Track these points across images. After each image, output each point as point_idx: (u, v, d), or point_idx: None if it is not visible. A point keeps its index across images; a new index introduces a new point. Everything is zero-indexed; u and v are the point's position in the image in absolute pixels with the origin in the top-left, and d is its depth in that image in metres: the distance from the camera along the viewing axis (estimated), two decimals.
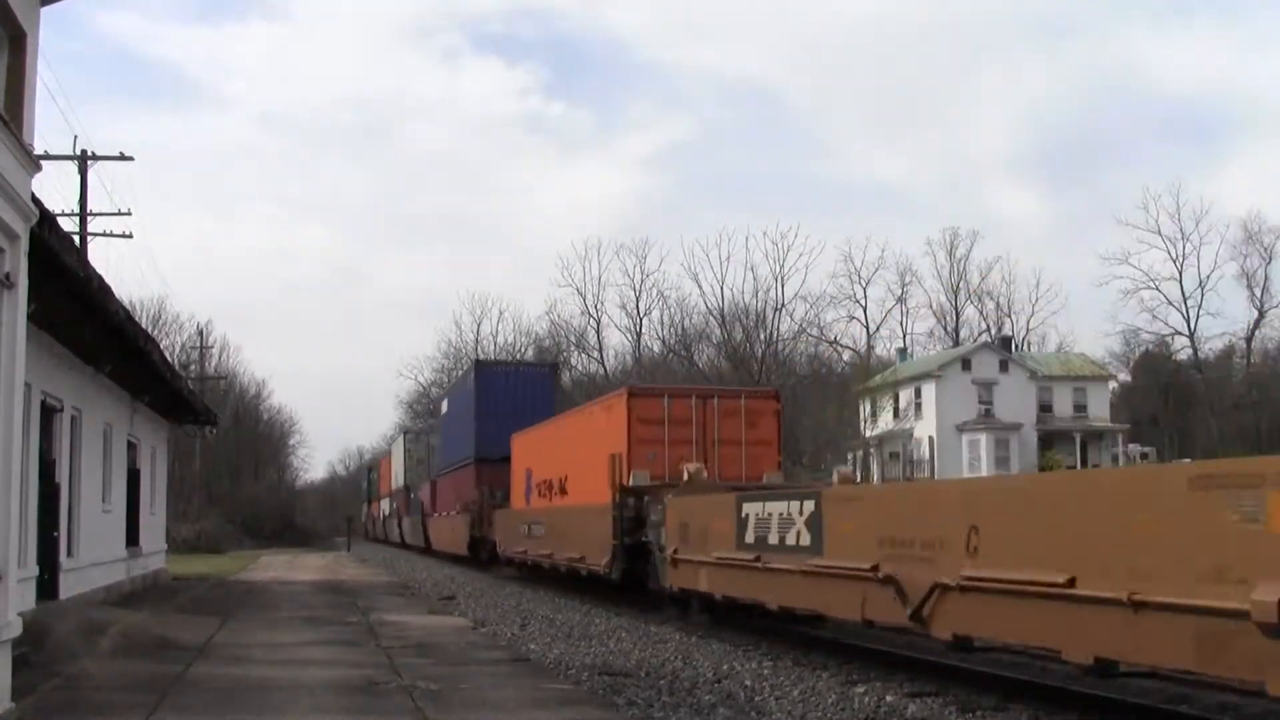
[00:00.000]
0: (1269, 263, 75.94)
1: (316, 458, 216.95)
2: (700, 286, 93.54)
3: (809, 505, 12.22)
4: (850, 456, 65.07)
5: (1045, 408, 73.12)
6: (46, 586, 14.62)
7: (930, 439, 70.58)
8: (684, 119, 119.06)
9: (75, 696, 9.23)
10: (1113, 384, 79.19)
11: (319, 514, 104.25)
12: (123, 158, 34.73)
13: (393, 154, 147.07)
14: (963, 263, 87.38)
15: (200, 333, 68.20)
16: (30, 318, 9.41)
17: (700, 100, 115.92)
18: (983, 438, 69.80)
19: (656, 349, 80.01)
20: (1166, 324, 77.84)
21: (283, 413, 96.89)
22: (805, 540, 12.14)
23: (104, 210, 35.82)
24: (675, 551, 16.11)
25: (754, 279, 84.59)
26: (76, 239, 32.55)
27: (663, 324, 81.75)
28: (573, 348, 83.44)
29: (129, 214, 36.57)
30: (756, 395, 21.84)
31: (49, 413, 14.98)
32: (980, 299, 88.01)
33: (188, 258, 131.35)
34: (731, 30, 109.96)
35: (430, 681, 10.01)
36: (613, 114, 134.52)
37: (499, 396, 32.69)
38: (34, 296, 9.35)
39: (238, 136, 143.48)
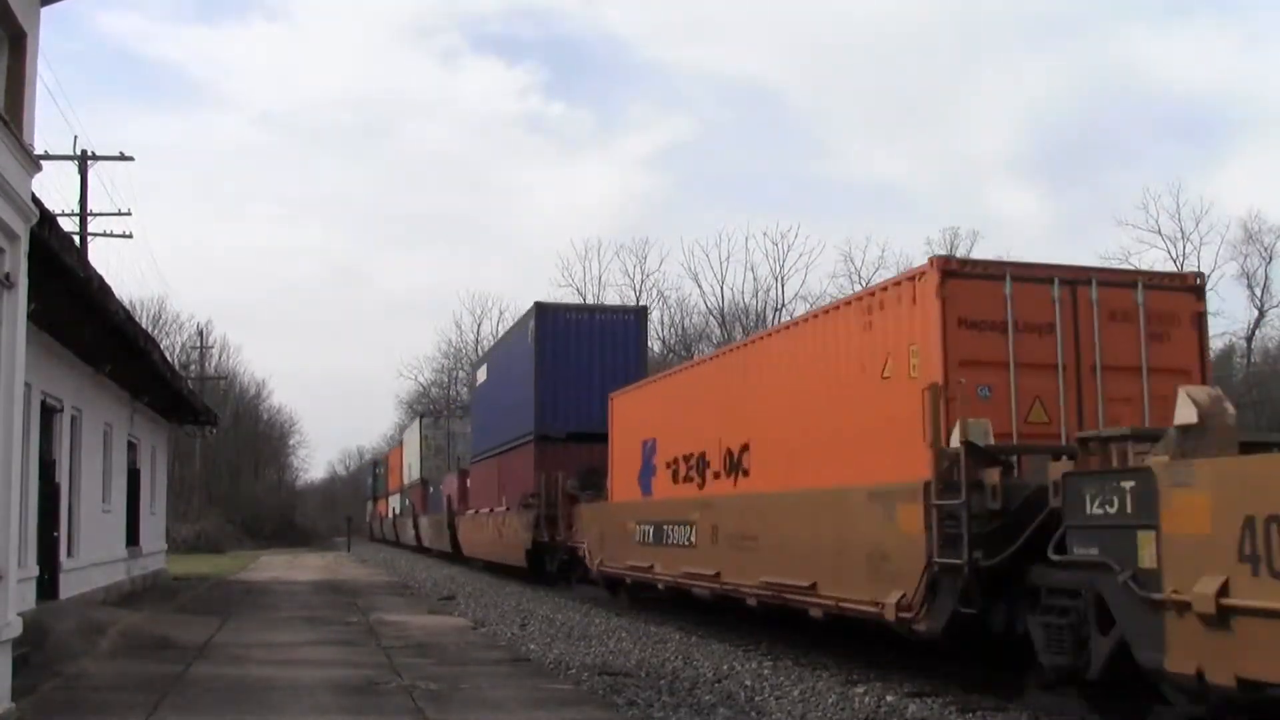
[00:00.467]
0: (1269, 262, 75.93)
1: (316, 458, 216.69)
2: (700, 286, 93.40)
3: None
4: None
5: None
6: (46, 586, 14.62)
7: None
8: (684, 119, 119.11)
9: (75, 696, 9.23)
10: None
11: (319, 514, 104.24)
12: (123, 158, 34.71)
13: (393, 154, 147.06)
14: None
15: (200, 333, 68.17)
16: (30, 318, 9.41)
17: (700, 100, 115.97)
18: None
19: (656, 349, 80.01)
20: None
21: (283, 413, 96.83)
22: None
23: (104, 210, 35.83)
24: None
25: (754, 279, 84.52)
26: (76, 239, 32.54)
27: (663, 324, 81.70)
28: None
29: (129, 214, 36.58)
30: (1164, 284, 11.81)
31: (49, 413, 14.98)
32: None
33: (188, 258, 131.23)
34: (731, 30, 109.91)
35: (430, 681, 10.02)
36: (613, 114, 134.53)
37: (569, 353, 25.22)
38: (34, 296, 9.35)
39: (238, 136, 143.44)
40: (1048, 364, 10.83)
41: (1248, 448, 7.96)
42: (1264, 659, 6.70)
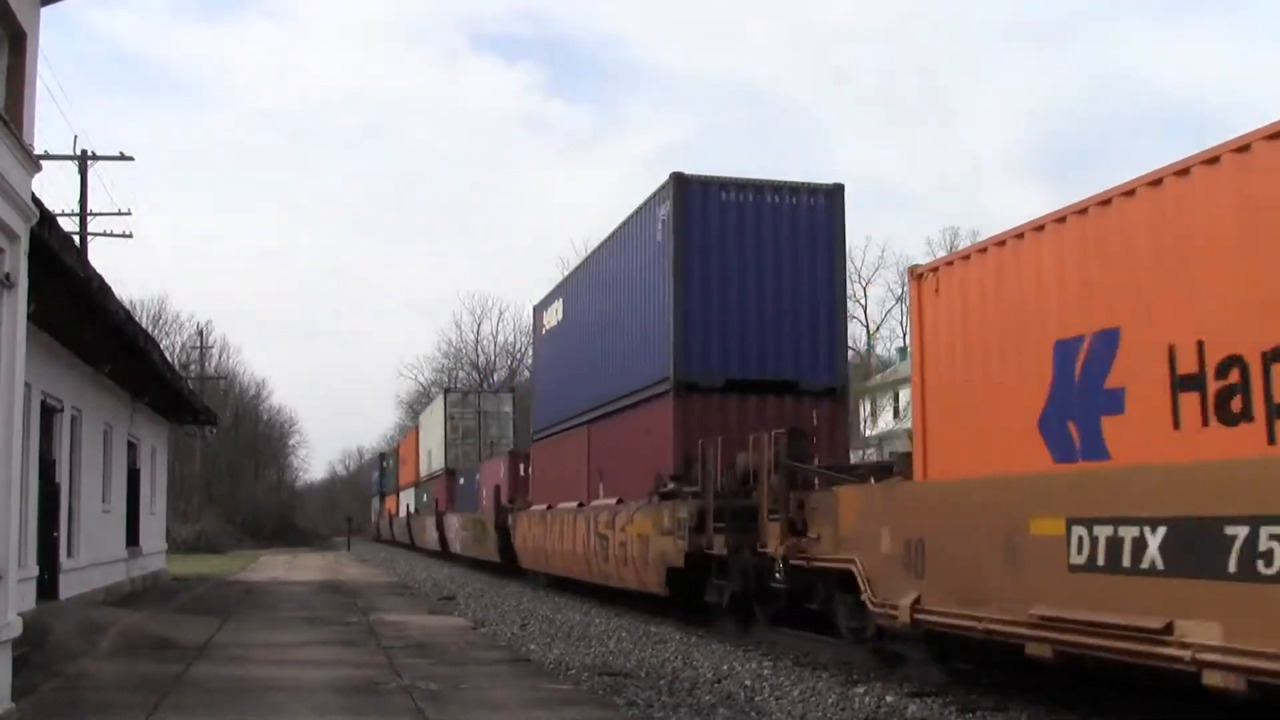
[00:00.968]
0: None
1: (316, 458, 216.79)
2: None
3: None
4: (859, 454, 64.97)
5: None
6: (46, 586, 14.63)
7: None
8: (684, 119, 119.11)
9: (75, 696, 9.22)
10: None
11: (319, 514, 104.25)
12: (123, 158, 34.73)
13: (393, 153, 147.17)
14: None
15: (200, 333, 68.14)
16: (30, 318, 9.41)
17: (700, 100, 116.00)
18: None
19: None
20: None
21: (283, 413, 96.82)
22: None
23: (104, 210, 35.85)
24: None
25: None
26: (76, 239, 32.54)
27: None
28: None
29: (129, 214, 36.68)
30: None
31: (49, 413, 14.98)
32: None
33: (188, 258, 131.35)
34: (731, 30, 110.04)
35: (430, 681, 10.01)
36: (613, 114, 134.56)
37: (727, 255, 16.71)
38: (34, 296, 9.34)
39: (237, 136, 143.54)
40: None
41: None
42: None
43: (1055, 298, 8.85)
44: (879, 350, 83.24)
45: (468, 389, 50.33)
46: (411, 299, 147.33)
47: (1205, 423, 7.31)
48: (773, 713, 9.79)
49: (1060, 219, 8.92)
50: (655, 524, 16.30)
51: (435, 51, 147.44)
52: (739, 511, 13.90)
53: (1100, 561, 7.76)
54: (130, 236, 52.90)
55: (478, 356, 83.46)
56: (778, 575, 12.81)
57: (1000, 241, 9.71)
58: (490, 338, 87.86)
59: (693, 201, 16.68)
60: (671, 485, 15.99)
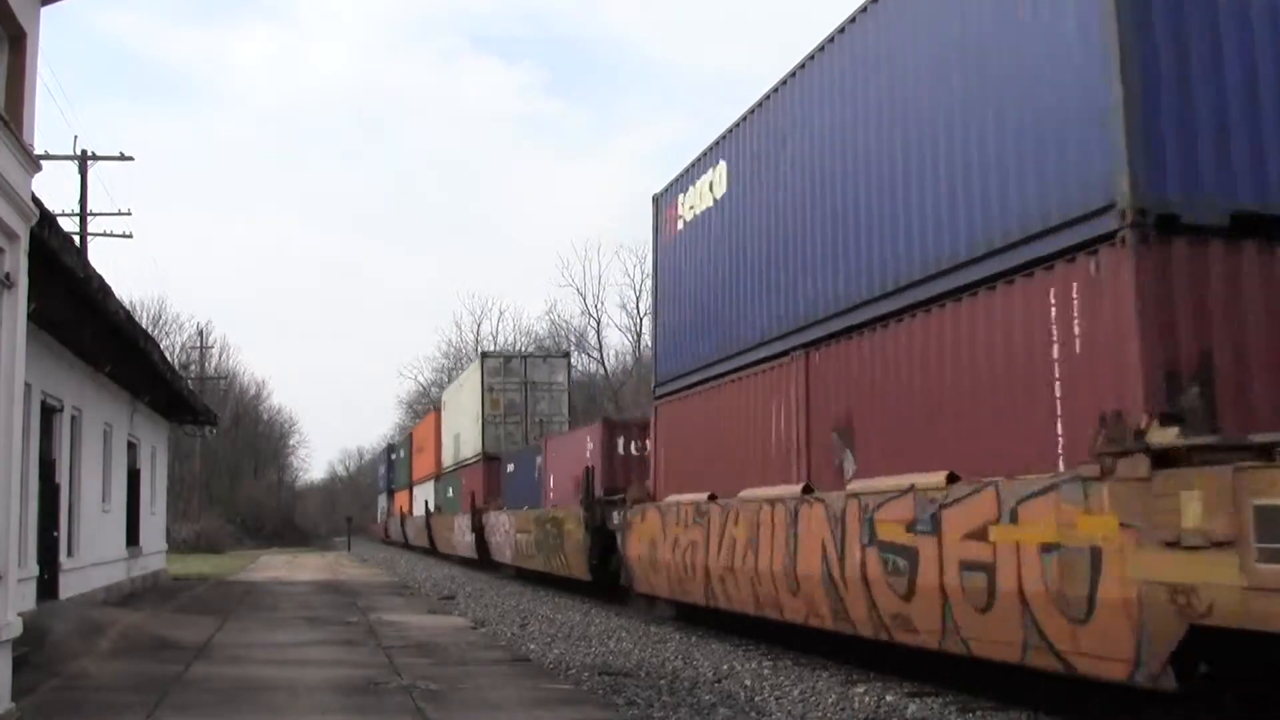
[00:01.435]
0: None
1: (316, 458, 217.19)
2: None
3: None
4: None
5: None
6: (46, 586, 14.62)
7: None
8: (683, 118, 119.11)
9: (75, 696, 9.23)
10: None
11: (319, 514, 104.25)
12: (123, 158, 34.72)
13: (392, 153, 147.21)
14: None
15: (200, 333, 68.10)
16: (30, 318, 9.42)
17: (700, 100, 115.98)
18: None
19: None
20: None
21: (283, 413, 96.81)
22: None
23: (104, 210, 35.85)
24: None
25: None
26: (76, 239, 32.55)
27: None
28: (573, 348, 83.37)
29: (129, 214, 36.53)
30: None
31: (49, 413, 14.98)
32: None
33: (188, 258, 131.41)
34: (731, 29, 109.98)
35: (430, 681, 10.02)
36: (612, 113, 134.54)
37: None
38: (34, 296, 9.34)
39: (237, 136, 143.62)
40: None
41: None
42: None
43: None
44: None
45: (511, 353, 39.37)
46: (411, 299, 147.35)
47: None
48: (773, 712, 9.79)
49: None
50: (1135, 522, 7.38)
51: (435, 51, 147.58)
52: None
53: None
54: (130, 236, 53.13)
55: (477, 353, 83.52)
56: None
57: None
58: (490, 338, 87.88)
59: None
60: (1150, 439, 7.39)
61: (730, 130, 15.37)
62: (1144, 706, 8.53)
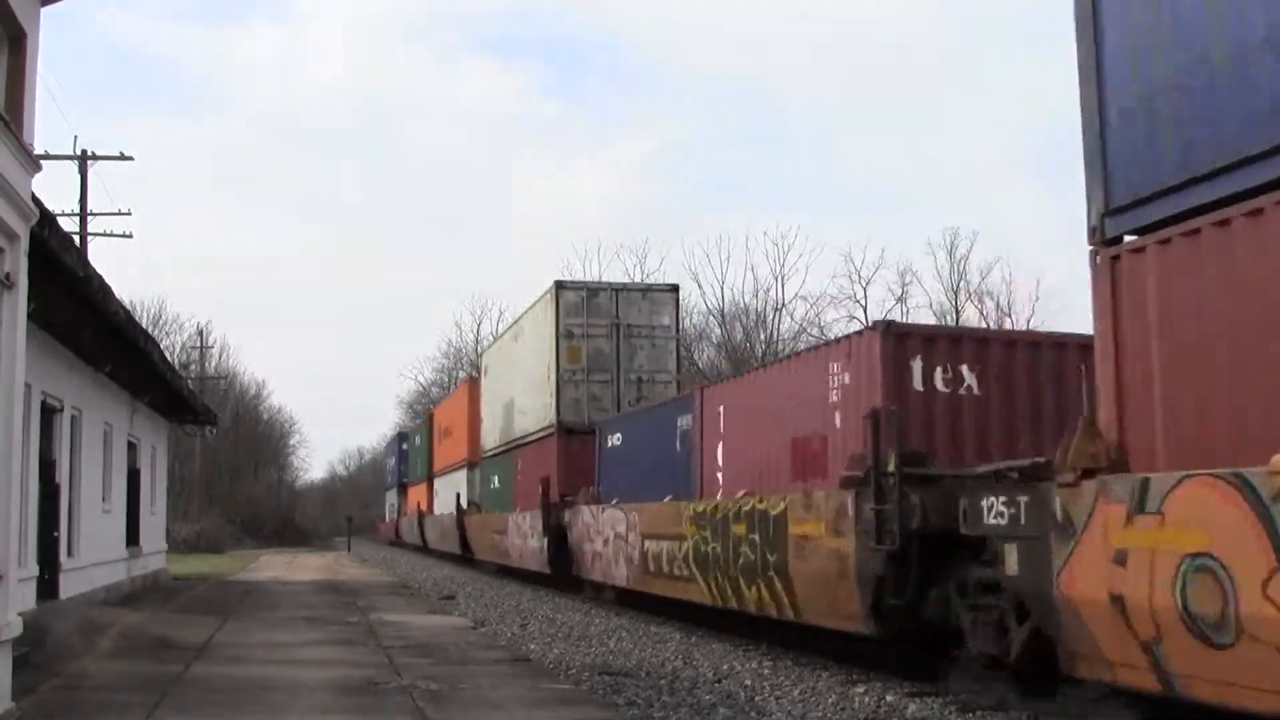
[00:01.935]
0: None
1: (316, 458, 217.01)
2: (700, 286, 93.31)
3: None
4: None
5: None
6: (46, 586, 14.62)
7: None
8: (684, 118, 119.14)
9: (75, 696, 9.22)
10: None
11: (319, 514, 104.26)
12: (123, 158, 34.71)
13: (392, 153, 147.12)
14: (963, 263, 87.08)
15: (200, 333, 68.11)
16: (30, 318, 9.41)
17: (700, 100, 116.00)
18: None
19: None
20: None
21: (283, 413, 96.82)
22: None
23: (104, 210, 35.85)
24: None
25: (754, 279, 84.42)
26: (76, 239, 32.55)
27: None
28: None
29: (129, 214, 36.53)
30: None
31: (49, 413, 14.98)
32: (980, 299, 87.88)
33: (188, 258, 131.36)
34: (731, 29, 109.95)
35: (430, 681, 10.02)
36: (612, 114, 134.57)
37: None
38: (34, 296, 9.35)
39: (237, 136, 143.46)
40: None
41: None
42: None
43: None
44: None
45: (597, 284, 26.95)
46: (412, 299, 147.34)
47: None
48: (773, 712, 9.79)
49: None
50: None
51: (434, 51, 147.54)
52: None
53: None
54: (130, 236, 53.02)
55: (478, 356, 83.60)
56: None
57: None
58: (490, 338, 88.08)
59: None
60: None
61: None
62: (1144, 707, 8.53)
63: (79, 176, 34.33)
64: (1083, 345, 10.25)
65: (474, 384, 36.71)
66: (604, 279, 31.31)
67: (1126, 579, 7.62)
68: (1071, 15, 8.82)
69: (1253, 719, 6.83)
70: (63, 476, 15.89)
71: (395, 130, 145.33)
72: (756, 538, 13.47)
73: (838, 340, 13.22)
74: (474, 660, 11.85)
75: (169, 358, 29.03)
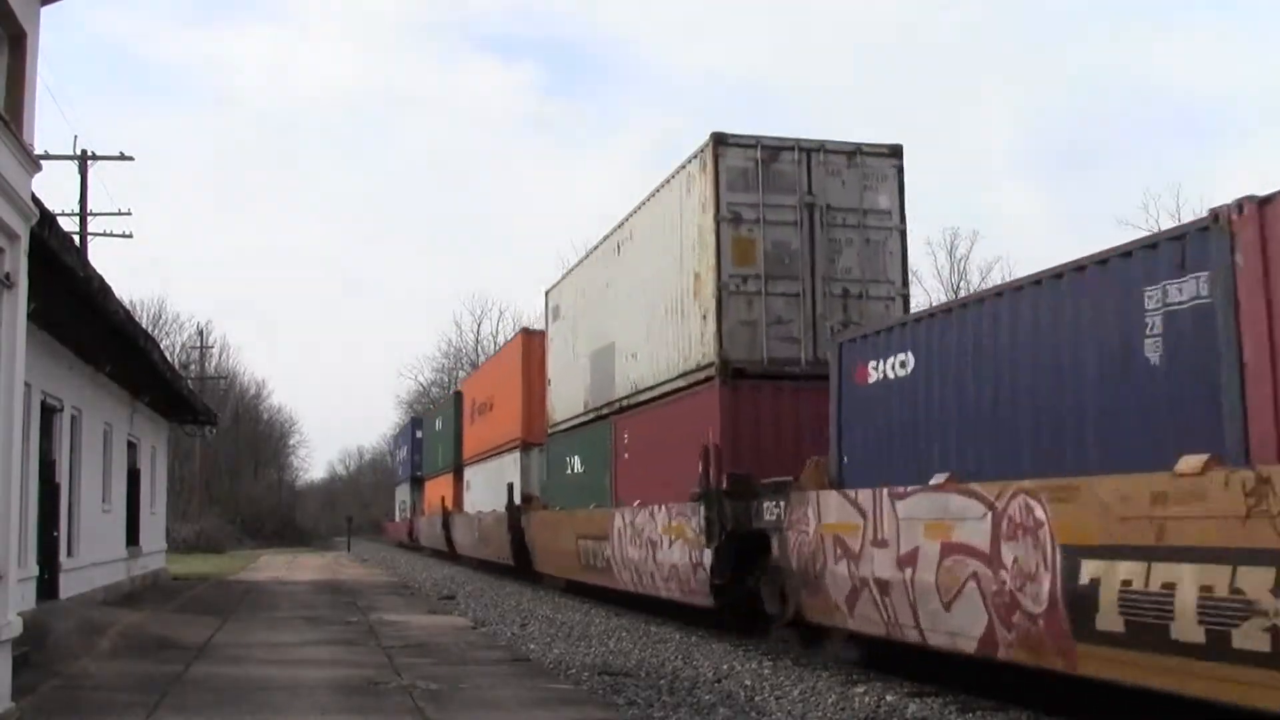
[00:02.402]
0: None
1: (316, 458, 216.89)
2: None
3: None
4: None
5: None
6: (46, 586, 14.62)
7: None
8: (683, 118, 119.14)
9: (75, 696, 9.22)
10: None
11: (319, 514, 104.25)
12: (123, 158, 34.71)
13: (392, 153, 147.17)
14: (963, 263, 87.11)
15: (200, 333, 68.19)
16: (30, 318, 9.41)
17: (700, 99, 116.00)
18: None
19: None
20: None
21: (283, 413, 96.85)
22: None
23: (104, 210, 35.85)
24: None
25: None
26: (76, 239, 32.54)
27: None
28: None
29: (129, 214, 36.54)
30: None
31: (49, 413, 14.98)
32: None
33: (188, 258, 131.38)
34: (731, 29, 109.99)
35: (430, 681, 10.01)
36: (612, 113, 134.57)
37: None
38: (34, 296, 9.34)
39: (238, 136, 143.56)
40: None
41: None
42: None
43: None
44: None
45: (779, 140, 15.95)
46: (411, 299, 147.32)
47: None
48: (773, 712, 9.79)
49: None
50: None
51: (434, 51, 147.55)
52: None
53: None
54: (130, 236, 53.11)
55: (478, 356, 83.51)
56: None
57: None
58: (490, 338, 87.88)
59: None
60: None
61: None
62: (1144, 708, 8.52)
63: (79, 176, 34.35)
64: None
65: (530, 337, 28.23)
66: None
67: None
68: None
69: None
70: (63, 476, 15.89)
71: (395, 130, 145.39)
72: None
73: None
74: (474, 660, 11.85)
75: (169, 358, 29.03)
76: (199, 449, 58.31)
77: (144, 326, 21.94)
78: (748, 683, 11.28)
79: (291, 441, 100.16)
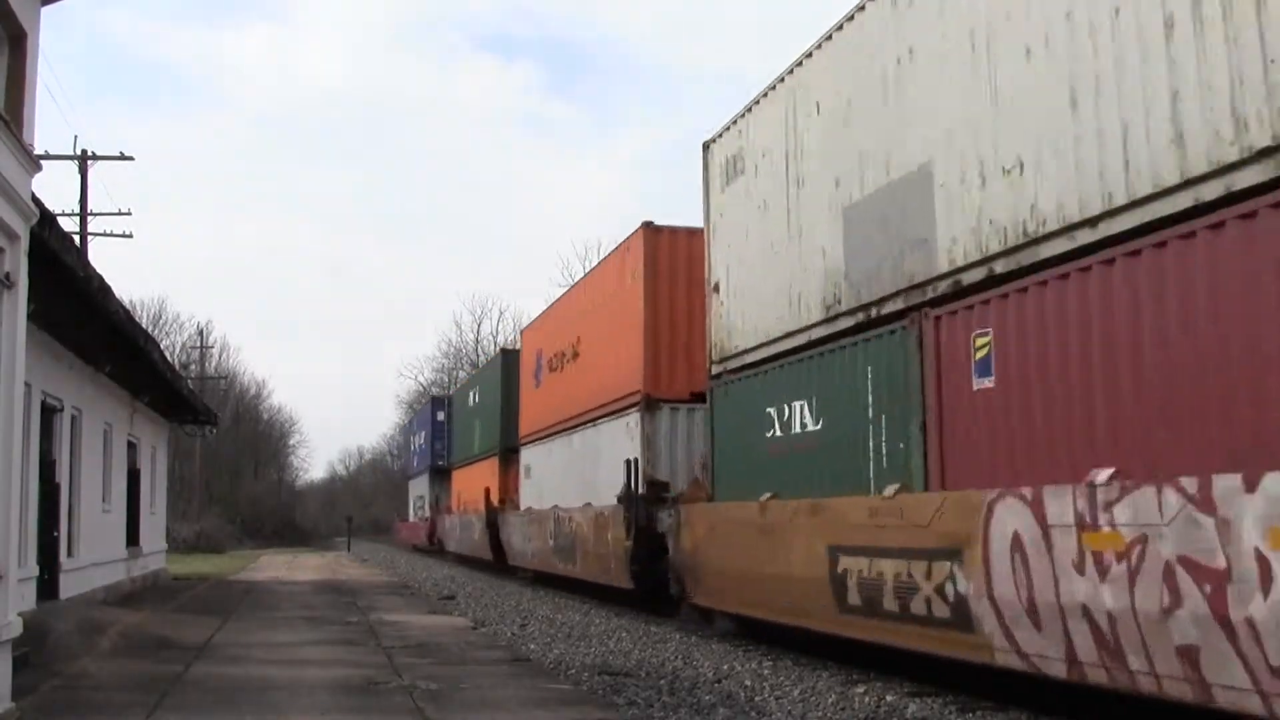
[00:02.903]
0: None
1: (316, 458, 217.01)
2: None
3: None
4: None
5: None
6: (46, 586, 14.62)
7: None
8: (683, 118, 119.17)
9: (75, 696, 9.22)
10: None
11: (319, 514, 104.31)
12: (123, 158, 34.78)
13: (391, 153, 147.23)
14: None
15: (200, 333, 68.25)
16: (30, 318, 9.41)
17: (699, 99, 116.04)
18: None
19: None
20: None
21: (283, 413, 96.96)
22: None
23: (104, 210, 35.88)
24: None
25: None
26: (76, 239, 32.57)
27: None
28: None
29: (129, 214, 36.60)
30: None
31: (49, 413, 14.98)
32: None
33: (188, 258, 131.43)
34: (730, 29, 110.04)
35: (430, 681, 10.02)
36: (612, 113, 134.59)
37: None
38: (34, 296, 9.34)
39: (237, 136, 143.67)
40: None
41: None
42: None
43: None
44: None
45: None
46: (411, 299, 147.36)
47: None
48: (773, 712, 9.79)
49: None
50: None
51: (434, 51, 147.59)
52: None
53: None
54: (130, 236, 53.17)
55: (478, 356, 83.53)
56: None
57: None
58: (490, 337, 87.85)
59: None
60: None
61: None
62: (1144, 709, 8.53)
63: (79, 176, 34.40)
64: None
65: (657, 235, 18.47)
66: None
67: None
68: None
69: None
70: (63, 476, 15.89)
71: (395, 130, 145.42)
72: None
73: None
74: (474, 660, 11.85)
75: (169, 358, 29.04)
76: (199, 449, 58.32)
77: (144, 326, 21.94)
78: (748, 683, 11.28)
79: (291, 441, 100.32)
